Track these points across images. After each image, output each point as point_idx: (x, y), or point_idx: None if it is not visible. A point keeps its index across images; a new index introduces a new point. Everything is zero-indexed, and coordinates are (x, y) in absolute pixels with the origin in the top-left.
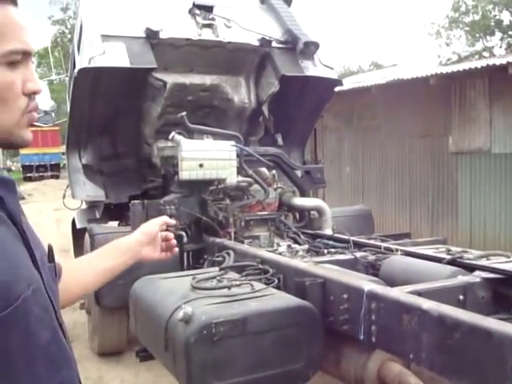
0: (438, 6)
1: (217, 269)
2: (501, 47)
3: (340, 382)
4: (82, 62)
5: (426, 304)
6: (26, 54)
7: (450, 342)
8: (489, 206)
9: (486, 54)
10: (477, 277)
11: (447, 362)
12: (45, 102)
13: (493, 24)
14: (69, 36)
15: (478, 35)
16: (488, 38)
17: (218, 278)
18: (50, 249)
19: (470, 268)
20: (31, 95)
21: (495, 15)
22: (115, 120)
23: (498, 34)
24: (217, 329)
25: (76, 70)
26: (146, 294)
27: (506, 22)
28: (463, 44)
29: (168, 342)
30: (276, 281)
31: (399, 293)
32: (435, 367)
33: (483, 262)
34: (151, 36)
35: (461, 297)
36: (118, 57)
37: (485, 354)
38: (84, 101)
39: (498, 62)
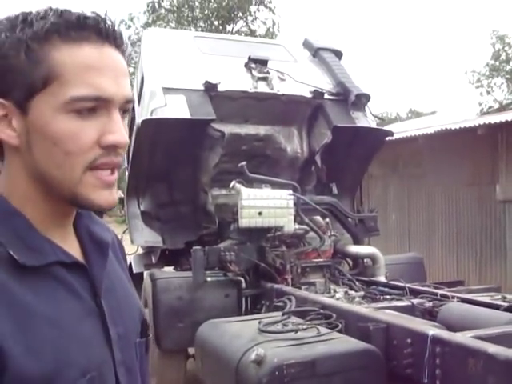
0: (476, 53)
1: (279, 313)
2: None
3: None
4: (143, 114)
5: (492, 348)
6: (103, 101)
7: None
8: None
9: None
10: None
11: None
12: None
13: None
14: None
15: None
16: None
17: (282, 322)
18: (144, 323)
19: None
20: (110, 149)
21: None
22: (173, 168)
23: None
24: (288, 370)
25: (139, 121)
26: (213, 338)
27: None
28: (504, 92)
29: None
30: (339, 325)
31: (464, 337)
32: None
33: None
34: (210, 89)
35: None
36: (179, 109)
37: None
38: (145, 150)
39: None
